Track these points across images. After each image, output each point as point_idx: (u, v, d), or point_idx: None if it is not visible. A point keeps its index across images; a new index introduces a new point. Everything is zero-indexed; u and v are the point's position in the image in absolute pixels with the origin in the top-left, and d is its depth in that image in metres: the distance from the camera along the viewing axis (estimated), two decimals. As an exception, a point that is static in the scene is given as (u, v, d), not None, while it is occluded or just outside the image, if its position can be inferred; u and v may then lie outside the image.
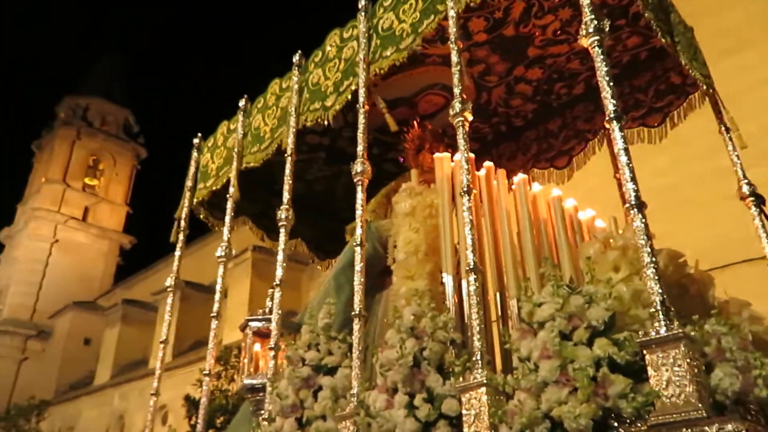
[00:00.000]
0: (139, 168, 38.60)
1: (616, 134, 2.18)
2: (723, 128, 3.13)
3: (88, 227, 34.53)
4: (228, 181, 4.30)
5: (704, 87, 3.15)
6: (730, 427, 1.63)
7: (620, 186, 3.92)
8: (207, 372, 3.57)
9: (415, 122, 4.11)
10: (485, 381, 2.19)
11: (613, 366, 1.89)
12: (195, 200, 4.64)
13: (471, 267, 2.45)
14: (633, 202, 2.04)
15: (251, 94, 4.69)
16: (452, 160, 3.13)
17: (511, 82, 4.04)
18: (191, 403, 11.71)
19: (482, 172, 3.10)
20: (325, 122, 3.70)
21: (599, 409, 1.83)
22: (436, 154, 3.35)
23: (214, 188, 4.49)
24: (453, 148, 3.42)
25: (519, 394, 2.05)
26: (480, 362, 2.28)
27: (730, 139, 3.11)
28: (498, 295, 2.71)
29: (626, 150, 2.15)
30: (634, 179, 2.08)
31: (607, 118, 2.24)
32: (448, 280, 2.88)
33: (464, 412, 2.23)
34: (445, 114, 4.30)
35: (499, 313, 2.70)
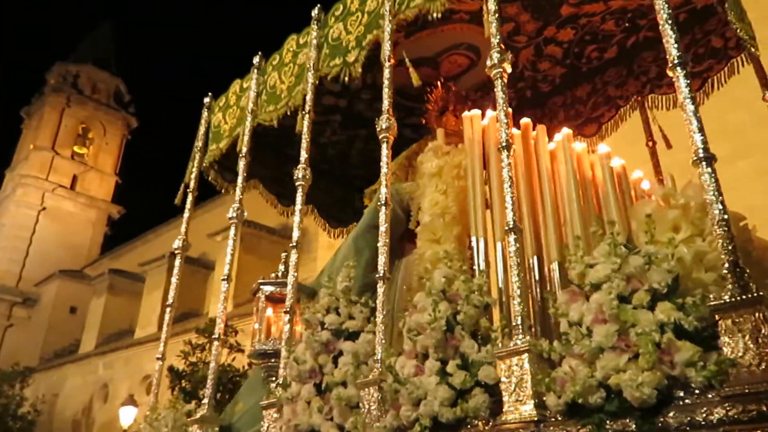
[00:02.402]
0: (130, 138, 38.02)
1: (681, 81, 2.01)
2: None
3: (76, 196, 34.04)
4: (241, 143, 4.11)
5: (752, 49, 2.97)
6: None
7: (653, 155, 3.78)
8: (217, 336, 3.40)
9: (438, 83, 3.91)
10: (529, 347, 2.04)
11: (678, 332, 1.74)
12: (206, 162, 4.44)
13: (511, 227, 2.29)
14: (701, 155, 1.87)
15: (247, 65, 4.49)
16: (483, 118, 2.94)
17: (541, 44, 3.84)
18: (175, 374, 11.61)
19: (515, 131, 2.92)
20: (346, 79, 3.50)
21: (664, 378, 1.68)
22: (466, 113, 3.17)
23: (226, 149, 4.29)
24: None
25: (569, 360, 1.89)
26: (521, 327, 2.13)
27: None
28: (536, 258, 2.55)
29: (693, 99, 1.98)
30: (701, 130, 1.92)
31: (670, 65, 2.06)
32: (478, 243, 2.71)
33: (503, 379, 2.08)
34: (469, 76, 4.15)
35: (537, 278, 2.54)
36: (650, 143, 3.79)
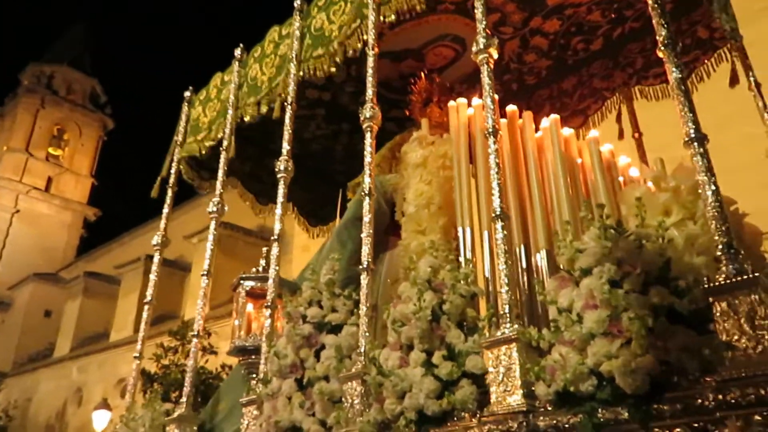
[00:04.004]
0: (106, 139, 37.45)
1: (671, 62, 1.98)
2: (753, 84, 2.95)
3: (51, 198, 33.44)
4: (221, 137, 4.01)
5: (733, 41, 2.97)
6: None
7: (639, 146, 3.76)
8: (196, 333, 3.30)
9: (422, 74, 3.85)
10: (517, 335, 1.98)
11: (672, 317, 1.69)
12: (182, 154, 4.32)
13: (498, 213, 2.23)
14: (693, 135, 1.84)
15: (225, 64, 4.42)
16: (470, 106, 2.89)
17: (527, 35, 3.80)
18: (147, 377, 11.43)
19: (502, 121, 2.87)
20: (331, 70, 3.43)
21: (658, 364, 1.63)
22: (451, 102, 3.11)
23: (206, 143, 4.18)
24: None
25: (559, 348, 1.83)
26: (509, 316, 2.08)
27: (761, 95, 2.93)
28: (523, 247, 2.49)
29: (682, 80, 1.95)
30: (692, 110, 1.88)
31: (660, 46, 2.03)
32: (465, 232, 2.65)
33: (491, 369, 2.02)
34: (454, 68, 4.09)
35: (524, 267, 2.48)
36: (636, 135, 3.78)
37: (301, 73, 3.58)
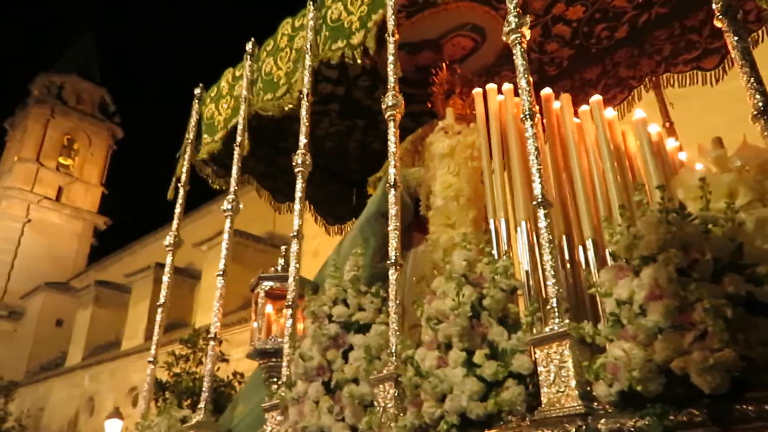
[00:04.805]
0: (115, 148, 37.56)
1: (732, 32, 1.81)
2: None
3: (61, 207, 33.51)
4: (235, 131, 3.87)
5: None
6: None
7: (670, 134, 3.58)
8: (213, 336, 3.14)
9: (444, 65, 3.69)
10: (568, 331, 1.81)
11: (749, 307, 1.52)
12: (201, 155, 4.20)
13: (540, 201, 2.07)
14: (762, 108, 1.67)
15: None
16: (501, 93, 2.72)
17: (549, 23, 3.65)
18: (158, 386, 11.33)
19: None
20: (352, 62, 3.27)
21: (739, 359, 1.45)
22: (477, 89, 2.95)
23: (224, 141, 4.05)
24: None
25: (620, 344, 1.66)
26: (557, 310, 1.90)
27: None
28: (564, 238, 2.32)
29: (746, 49, 1.78)
30: (759, 81, 1.71)
31: (717, 15, 1.86)
32: (498, 224, 2.49)
33: (540, 368, 1.85)
34: (473, 59, 3.93)
35: (567, 258, 2.31)
36: (667, 124, 3.60)
37: (315, 64, 3.43)
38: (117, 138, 37.60)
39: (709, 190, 1.74)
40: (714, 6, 1.91)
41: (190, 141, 4.28)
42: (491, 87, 2.83)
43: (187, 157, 4.27)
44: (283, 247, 3.36)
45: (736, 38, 1.82)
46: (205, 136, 4.25)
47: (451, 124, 2.97)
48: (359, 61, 3.26)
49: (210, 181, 4.42)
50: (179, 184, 4.15)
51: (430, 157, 3.00)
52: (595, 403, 1.70)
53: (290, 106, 3.58)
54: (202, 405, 3.02)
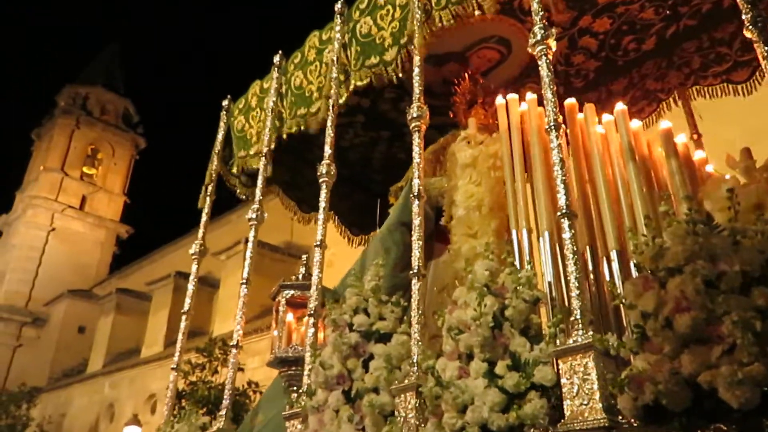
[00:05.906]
0: (138, 158, 38.08)
1: (762, 42, 1.79)
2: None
3: (85, 216, 33.99)
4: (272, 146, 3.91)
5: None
6: None
7: (698, 146, 3.54)
8: (235, 343, 3.16)
9: (466, 74, 3.70)
10: (592, 343, 1.79)
11: (779, 320, 1.49)
12: (235, 169, 4.25)
13: (565, 211, 2.06)
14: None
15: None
16: (523, 101, 2.72)
17: (575, 35, 3.64)
18: (177, 394, 11.36)
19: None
20: (392, 77, 3.29)
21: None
22: (499, 99, 2.95)
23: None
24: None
25: (646, 357, 1.64)
26: (581, 322, 1.89)
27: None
28: (588, 249, 2.30)
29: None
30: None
31: (747, 25, 1.85)
32: (520, 235, 2.47)
33: (564, 381, 1.83)
34: (499, 71, 3.93)
35: (590, 269, 2.29)
36: (695, 136, 3.56)
37: (354, 82, 3.44)
38: (140, 148, 38.14)
39: (738, 200, 1.72)
40: (744, 16, 1.90)
41: (217, 153, 4.34)
42: (513, 97, 2.83)
43: (214, 167, 4.32)
44: (303, 256, 3.38)
45: (766, 48, 1.80)
46: (238, 150, 4.30)
47: (473, 134, 2.98)
48: (394, 80, 3.27)
49: (237, 191, 4.47)
50: (207, 195, 4.21)
51: (452, 166, 3.01)
52: (620, 417, 1.68)
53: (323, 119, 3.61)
54: (222, 412, 3.04)
